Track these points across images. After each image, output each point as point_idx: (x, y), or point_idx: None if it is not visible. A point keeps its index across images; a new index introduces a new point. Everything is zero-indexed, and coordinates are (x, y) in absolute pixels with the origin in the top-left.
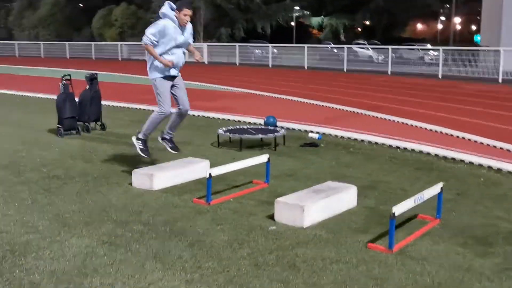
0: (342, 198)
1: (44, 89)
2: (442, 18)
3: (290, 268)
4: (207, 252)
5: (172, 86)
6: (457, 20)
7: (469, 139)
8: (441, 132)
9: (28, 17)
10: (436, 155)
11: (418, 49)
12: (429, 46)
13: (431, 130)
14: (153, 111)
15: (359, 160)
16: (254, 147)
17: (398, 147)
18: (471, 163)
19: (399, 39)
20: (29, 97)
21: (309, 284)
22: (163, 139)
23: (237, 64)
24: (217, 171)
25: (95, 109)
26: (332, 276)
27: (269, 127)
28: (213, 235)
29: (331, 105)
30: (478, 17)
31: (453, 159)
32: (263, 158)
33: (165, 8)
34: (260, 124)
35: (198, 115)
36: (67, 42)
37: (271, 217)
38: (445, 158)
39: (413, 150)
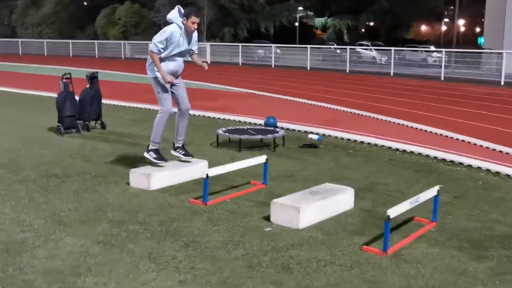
0: (339, 200)
1: (46, 87)
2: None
3: (284, 269)
4: (202, 252)
5: (172, 85)
6: (461, 22)
7: (468, 142)
8: (441, 135)
9: (32, 15)
10: (435, 158)
11: (421, 51)
12: (432, 48)
13: (431, 132)
14: (153, 110)
15: (358, 161)
16: (254, 148)
17: (397, 149)
18: (469, 166)
19: (403, 40)
20: (31, 95)
21: (302, 286)
22: (175, 149)
23: (240, 64)
24: (214, 171)
25: (96, 108)
26: (326, 278)
27: (269, 128)
28: (209, 236)
29: (332, 106)
30: (482, 20)
31: (452, 161)
32: (261, 159)
33: (174, 14)
34: (260, 124)
35: (199, 115)
36: (70, 41)
37: (267, 218)
38: (444, 160)
39: (412, 152)
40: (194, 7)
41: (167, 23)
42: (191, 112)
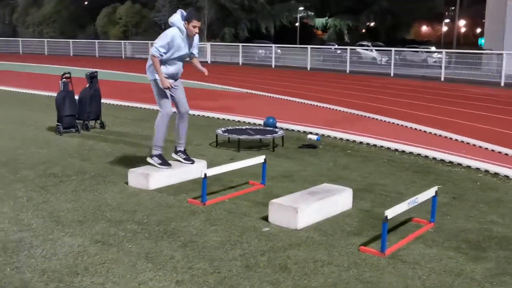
0: (337, 200)
1: (46, 87)
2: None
3: (281, 269)
4: (199, 252)
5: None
6: (462, 23)
7: (467, 143)
8: (440, 135)
9: (33, 14)
10: (434, 159)
11: (421, 51)
12: (433, 48)
13: (430, 133)
14: (153, 110)
15: (357, 162)
16: (253, 148)
17: (396, 150)
18: (468, 167)
19: (403, 41)
20: (31, 95)
21: (299, 286)
22: (176, 153)
23: (240, 64)
24: (213, 171)
25: (95, 108)
26: (323, 279)
27: (268, 128)
28: (206, 236)
29: (332, 107)
30: (483, 20)
31: (451, 162)
32: (259, 159)
33: (176, 17)
34: (259, 124)
35: (199, 115)
36: (71, 40)
37: (265, 218)
38: (442, 161)
39: (411, 153)
40: (195, 9)
41: (167, 23)
42: (191, 112)
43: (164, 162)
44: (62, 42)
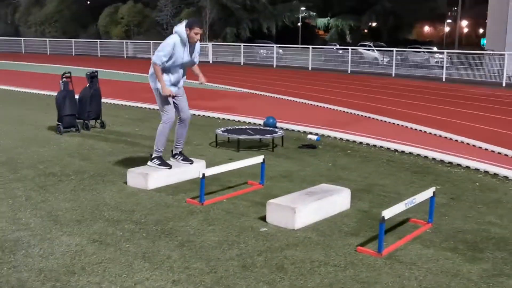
0: (335, 200)
1: (47, 86)
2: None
3: (278, 269)
4: (196, 252)
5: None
6: (464, 23)
7: (467, 143)
8: (440, 136)
9: (35, 14)
10: (434, 159)
11: (423, 52)
12: (435, 49)
13: (430, 133)
14: (153, 110)
15: (356, 162)
16: (252, 148)
17: (396, 150)
18: (468, 167)
19: (405, 41)
20: (32, 94)
21: (296, 286)
22: (173, 156)
23: (242, 64)
24: (211, 171)
25: (95, 107)
26: (319, 279)
27: (268, 128)
28: (204, 236)
29: (332, 107)
30: (486, 21)
31: (450, 163)
32: (258, 159)
33: (180, 26)
34: (259, 124)
35: (199, 115)
36: (73, 40)
37: (263, 218)
38: (442, 162)
39: (410, 154)
40: (197, 17)
41: (169, 22)
42: (191, 111)
43: (163, 163)
44: (64, 41)
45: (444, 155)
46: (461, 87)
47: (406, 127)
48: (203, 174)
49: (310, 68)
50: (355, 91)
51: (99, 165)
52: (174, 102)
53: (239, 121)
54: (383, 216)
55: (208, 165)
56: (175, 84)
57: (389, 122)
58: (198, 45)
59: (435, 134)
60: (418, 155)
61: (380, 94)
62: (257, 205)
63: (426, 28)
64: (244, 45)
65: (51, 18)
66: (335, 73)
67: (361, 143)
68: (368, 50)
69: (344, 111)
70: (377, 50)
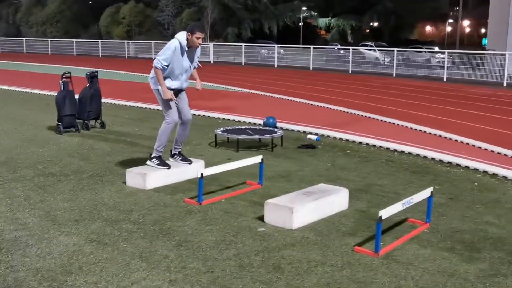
0: (333, 200)
1: (48, 86)
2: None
3: (275, 269)
4: (194, 252)
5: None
6: (466, 23)
7: (467, 143)
8: (440, 136)
9: (36, 14)
10: (433, 159)
11: (424, 52)
12: (436, 49)
13: (430, 133)
14: (153, 109)
15: (355, 162)
16: (252, 148)
17: (395, 150)
18: (467, 167)
19: (407, 41)
20: (32, 94)
21: (292, 286)
22: (172, 156)
23: (243, 64)
24: (209, 171)
25: (95, 107)
26: (316, 279)
27: (268, 128)
28: (201, 236)
29: (332, 107)
30: (488, 21)
31: (449, 163)
32: (257, 159)
33: (182, 33)
34: (259, 124)
35: (199, 115)
36: (74, 40)
37: (261, 218)
38: (441, 162)
39: (410, 154)
40: (199, 22)
41: (171, 22)
42: (192, 111)
43: (162, 163)
44: (66, 41)
45: (444, 155)
46: (462, 87)
47: (406, 127)
48: (201, 174)
49: (311, 68)
50: (356, 91)
51: (98, 165)
52: (175, 103)
53: (239, 121)
54: (380, 216)
55: (207, 165)
56: (176, 88)
57: (389, 122)
58: (199, 50)
59: (435, 134)
60: (418, 155)
61: (381, 94)
62: (255, 205)
63: (428, 28)
64: (245, 45)
65: (52, 18)
66: (336, 73)
67: (360, 143)
68: (370, 50)
69: (344, 111)
70: (379, 50)
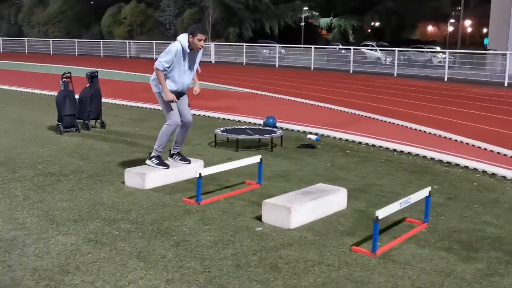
0: (331, 200)
1: (49, 86)
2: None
3: (272, 269)
4: (191, 252)
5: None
6: (468, 23)
7: (467, 143)
8: (440, 136)
9: (38, 14)
10: (432, 159)
11: (426, 52)
12: (438, 49)
13: (430, 133)
14: (154, 109)
15: (355, 162)
16: (251, 148)
17: (394, 150)
18: (466, 167)
19: (408, 41)
20: (33, 94)
21: (289, 286)
22: (171, 156)
23: (244, 64)
24: (208, 171)
25: (95, 107)
26: (313, 278)
27: (267, 128)
28: (199, 235)
29: (333, 107)
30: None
31: (449, 163)
32: (255, 159)
33: (183, 35)
34: (259, 124)
35: (199, 114)
36: (76, 40)
37: (259, 218)
38: (440, 161)
39: (409, 153)
40: (200, 24)
41: (172, 22)
42: (192, 111)
43: (161, 163)
44: (67, 41)
45: (443, 155)
46: (463, 87)
47: (406, 127)
48: (200, 174)
49: (312, 68)
50: (357, 91)
51: (98, 165)
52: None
53: (239, 121)
54: (377, 216)
55: (206, 165)
56: (177, 90)
57: (390, 122)
58: (200, 52)
59: (435, 134)
60: (417, 155)
61: (382, 94)
62: (254, 205)
63: (430, 28)
64: (246, 45)
65: (54, 19)
66: (338, 73)
67: (360, 143)
68: (371, 50)
69: (345, 111)
70: (380, 50)
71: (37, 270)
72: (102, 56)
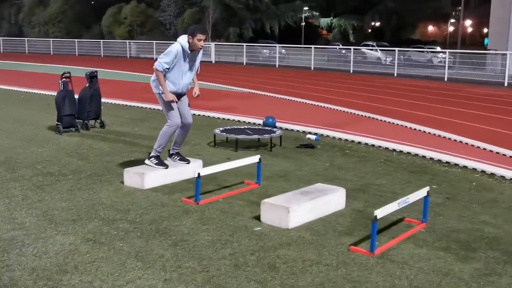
0: (330, 200)
1: (49, 86)
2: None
3: (270, 269)
4: (189, 251)
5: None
6: (468, 23)
7: (466, 143)
8: (439, 136)
9: (39, 14)
10: (431, 159)
11: (426, 51)
12: (438, 48)
13: (429, 133)
14: (154, 109)
15: (354, 162)
16: (251, 148)
17: (394, 150)
18: (465, 167)
19: (409, 41)
20: (33, 94)
21: (287, 285)
22: (170, 155)
23: (244, 64)
24: (207, 171)
25: (95, 107)
26: (310, 278)
27: (267, 128)
28: (198, 235)
29: (333, 107)
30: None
31: (448, 163)
32: (254, 158)
33: (183, 37)
34: (259, 124)
35: (199, 114)
36: (76, 40)
37: (258, 218)
38: (440, 161)
39: (408, 153)
40: (200, 24)
41: (172, 22)
42: (192, 111)
43: (160, 162)
44: (68, 42)
45: (442, 154)
46: (463, 87)
47: (406, 127)
48: (199, 174)
49: (312, 68)
50: (357, 91)
51: (97, 164)
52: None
53: (238, 121)
54: (375, 216)
55: (205, 165)
56: (178, 91)
57: (389, 122)
58: (200, 53)
59: (434, 134)
60: (416, 154)
61: (382, 94)
62: (253, 205)
63: (430, 28)
64: (246, 45)
65: (54, 19)
66: (338, 73)
67: (359, 142)
68: (371, 50)
69: (345, 111)
70: (380, 50)
71: (35, 269)
72: (102, 56)
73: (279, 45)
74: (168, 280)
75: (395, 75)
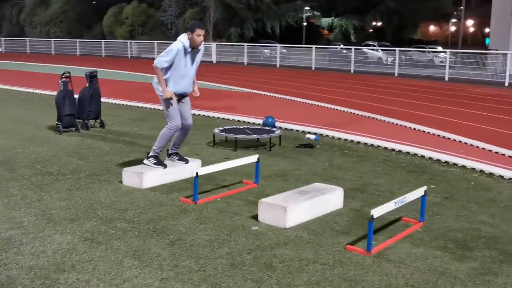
0: (327, 199)
1: (50, 86)
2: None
3: (266, 268)
4: (186, 250)
5: (178, 100)
6: (470, 22)
7: (465, 143)
8: (439, 136)
9: (40, 14)
10: (430, 158)
11: (427, 51)
12: (439, 48)
13: (429, 133)
14: (154, 109)
15: (353, 162)
16: (250, 147)
17: (393, 150)
18: (464, 166)
19: (410, 40)
20: (34, 94)
21: (283, 284)
22: (169, 155)
23: (245, 64)
24: (205, 170)
25: (95, 107)
26: (307, 277)
27: (266, 128)
28: (195, 234)
29: (333, 107)
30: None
31: (447, 162)
32: (253, 158)
33: (183, 35)
34: (258, 124)
35: (199, 114)
36: (77, 40)
37: (256, 217)
38: (438, 161)
39: (407, 153)
40: (198, 20)
41: (174, 22)
42: (192, 111)
43: (159, 162)
44: (69, 42)
45: (441, 154)
46: (464, 87)
47: (406, 126)
48: (197, 173)
49: (313, 68)
50: (358, 91)
51: (96, 164)
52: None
53: (238, 120)
54: (372, 215)
55: (204, 164)
56: (180, 92)
57: (389, 122)
58: (200, 54)
59: (433, 134)
60: (415, 154)
61: (383, 94)
62: (251, 204)
63: (432, 28)
64: (247, 45)
65: (56, 19)
66: (339, 73)
67: (359, 142)
68: (372, 49)
69: (345, 111)
70: (381, 49)
71: (32, 268)
72: (103, 56)
73: (280, 45)
74: (165, 279)
75: (396, 75)
